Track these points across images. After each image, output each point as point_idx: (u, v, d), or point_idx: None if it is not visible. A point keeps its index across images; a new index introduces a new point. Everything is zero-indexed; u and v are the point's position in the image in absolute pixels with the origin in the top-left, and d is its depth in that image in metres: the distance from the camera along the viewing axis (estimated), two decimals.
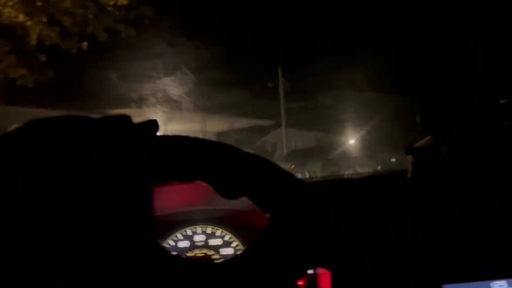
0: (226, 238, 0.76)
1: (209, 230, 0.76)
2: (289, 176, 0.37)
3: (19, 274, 0.26)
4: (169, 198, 0.69)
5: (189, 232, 0.76)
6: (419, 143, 0.81)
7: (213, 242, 0.76)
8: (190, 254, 0.75)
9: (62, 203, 0.28)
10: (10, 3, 4.39)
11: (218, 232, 0.76)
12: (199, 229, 0.77)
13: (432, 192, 0.75)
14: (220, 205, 0.72)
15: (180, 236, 0.76)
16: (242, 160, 0.36)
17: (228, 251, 0.76)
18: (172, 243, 0.75)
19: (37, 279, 0.26)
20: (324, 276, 0.56)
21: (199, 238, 0.76)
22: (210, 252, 0.75)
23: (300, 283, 0.67)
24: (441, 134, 0.80)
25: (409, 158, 0.81)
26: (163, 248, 0.31)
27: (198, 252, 0.76)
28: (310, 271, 0.67)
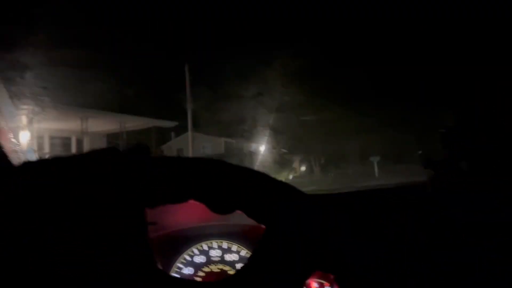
0: (243, 253, 0.75)
1: (225, 245, 0.75)
2: (281, 184, 0.37)
3: (19, 274, 0.26)
4: (183, 213, 0.69)
5: (205, 246, 0.75)
6: (436, 158, 0.83)
7: (229, 257, 0.75)
8: (206, 269, 0.74)
9: (62, 203, 0.28)
10: None
11: (234, 247, 0.75)
12: (215, 244, 0.76)
13: (432, 192, 0.75)
14: (236, 220, 0.71)
15: (196, 251, 0.75)
16: (230, 174, 0.36)
17: None
18: (188, 258, 0.75)
19: (37, 279, 0.26)
20: None
21: (215, 253, 0.75)
22: (226, 268, 0.74)
23: None
24: (462, 150, 0.82)
25: (427, 171, 0.82)
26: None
27: (214, 268, 0.75)
28: (316, 286, 0.67)
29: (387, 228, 0.50)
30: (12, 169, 0.29)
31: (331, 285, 0.66)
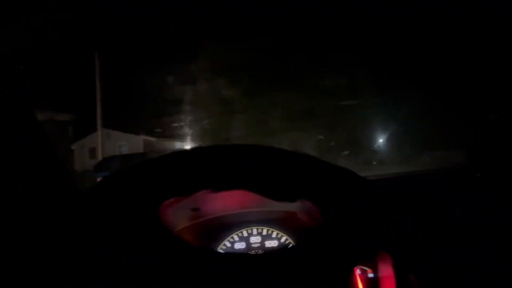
0: (283, 240, 0.75)
1: (265, 231, 0.76)
2: (336, 168, 0.39)
3: (19, 274, 0.26)
4: (225, 199, 0.69)
5: (245, 233, 0.76)
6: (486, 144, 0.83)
7: (269, 243, 0.75)
8: None
9: (62, 203, 0.28)
10: None
11: (274, 234, 0.75)
12: (255, 230, 0.76)
13: (432, 192, 0.75)
14: (275, 207, 0.71)
15: (236, 238, 0.75)
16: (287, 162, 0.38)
17: None
18: (228, 244, 0.75)
19: (37, 279, 0.26)
20: (387, 280, 0.55)
21: (255, 240, 0.75)
22: None
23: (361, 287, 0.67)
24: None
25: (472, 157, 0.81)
26: (163, 249, 0.31)
27: (255, 254, 0.75)
28: (370, 275, 0.67)
29: (387, 228, 0.50)
30: (12, 169, 0.29)
31: (373, 272, 0.66)
